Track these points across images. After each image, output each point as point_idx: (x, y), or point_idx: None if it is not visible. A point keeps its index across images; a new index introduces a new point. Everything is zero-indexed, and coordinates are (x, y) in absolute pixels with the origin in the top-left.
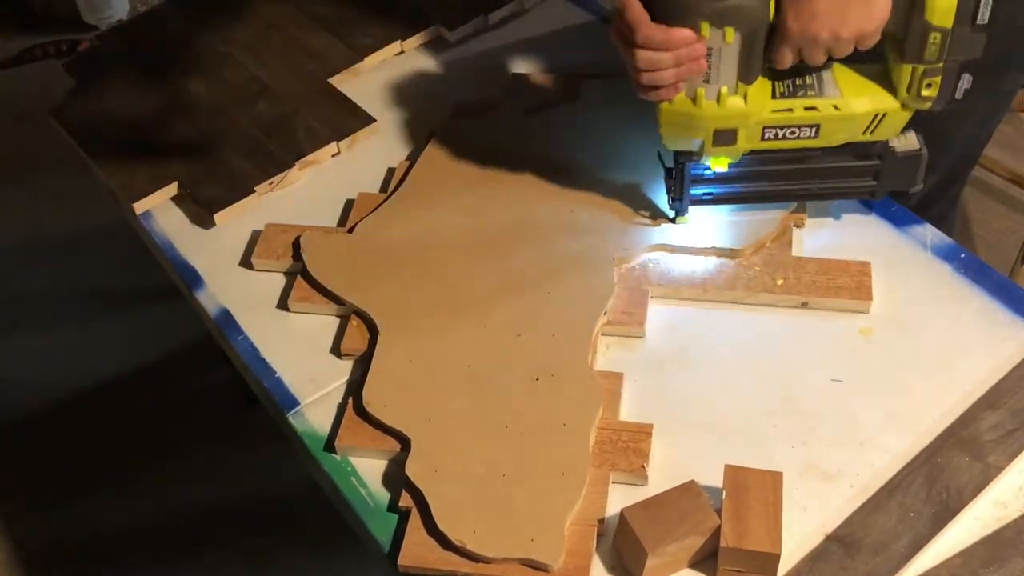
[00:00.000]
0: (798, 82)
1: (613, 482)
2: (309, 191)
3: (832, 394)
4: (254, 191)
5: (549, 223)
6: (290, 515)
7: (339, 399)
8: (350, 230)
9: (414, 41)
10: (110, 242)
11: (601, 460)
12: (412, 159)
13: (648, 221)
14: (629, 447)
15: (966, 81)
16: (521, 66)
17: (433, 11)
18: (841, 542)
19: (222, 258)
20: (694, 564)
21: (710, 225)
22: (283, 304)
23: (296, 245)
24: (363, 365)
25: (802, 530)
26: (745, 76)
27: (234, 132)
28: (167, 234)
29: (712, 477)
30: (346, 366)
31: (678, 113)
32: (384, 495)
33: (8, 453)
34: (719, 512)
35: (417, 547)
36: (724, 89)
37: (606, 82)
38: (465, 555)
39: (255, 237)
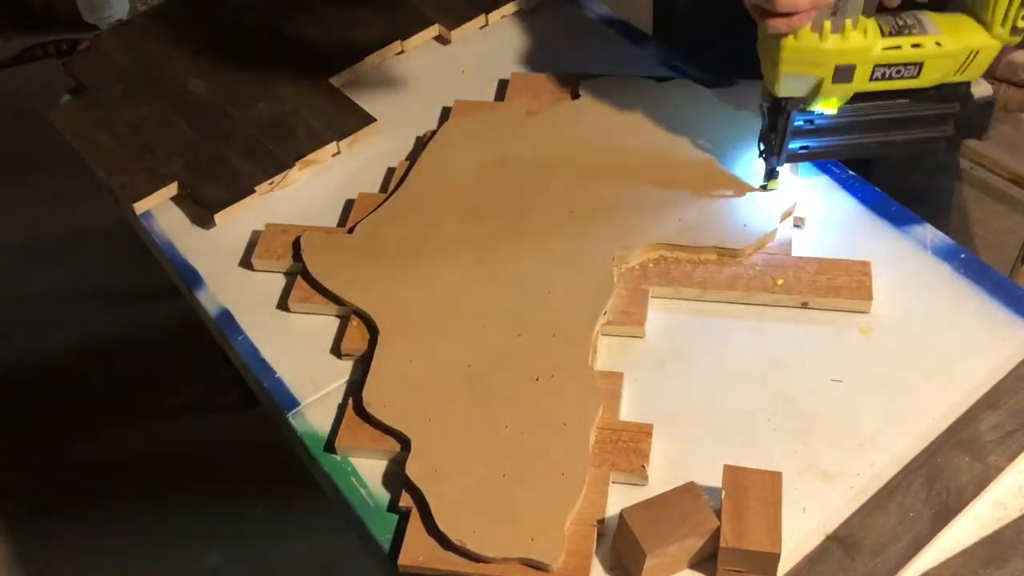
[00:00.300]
0: (899, 22)
1: (613, 482)
2: (309, 191)
3: (832, 394)
4: (254, 191)
5: (549, 223)
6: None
7: (339, 399)
8: (350, 230)
9: (414, 41)
10: (110, 242)
11: (601, 460)
12: (412, 159)
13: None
14: (629, 447)
15: None
16: (521, 66)
17: (433, 11)
18: (841, 542)
19: (222, 258)
20: (694, 565)
21: (710, 223)
22: (283, 304)
23: (296, 245)
24: (363, 365)
25: (802, 530)
26: (867, 9)
27: (234, 132)
28: (167, 234)
29: (712, 477)
30: (346, 366)
31: (803, 49)
32: (384, 495)
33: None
34: (719, 513)
35: (417, 547)
36: (848, 22)
37: (606, 82)
38: (465, 555)
39: (255, 237)
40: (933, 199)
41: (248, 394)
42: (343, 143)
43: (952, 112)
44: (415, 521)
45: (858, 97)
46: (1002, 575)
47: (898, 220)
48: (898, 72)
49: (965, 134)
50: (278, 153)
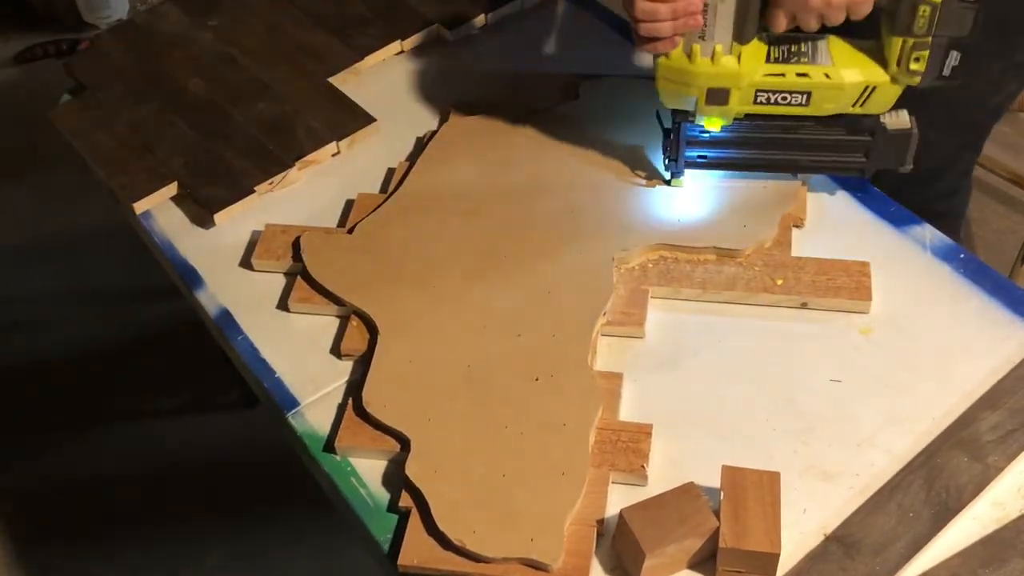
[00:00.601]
0: (792, 49)
1: (613, 482)
2: (309, 191)
3: (831, 394)
4: (254, 191)
5: (549, 223)
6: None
7: (339, 399)
8: (350, 230)
9: (414, 41)
10: (110, 242)
11: (601, 460)
12: (412, 159)
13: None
14: (629, 447)
15: (954, 58)
16: (521, 66)
17: (433, 11)
18: (840, 542)
19: (222, 258)
20: (693, 565)
21: (710, 224)
22: (283, 304)
23: (296, 246)
24: (363, 365)
25: (801, 530)
26: (740, 36)
27: (234, 132)
28: (167, 234)
29: (712, 477)
30: (346, 366)
31: (673, 69)
32: (384, 495)
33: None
34: (718, 513)
35: (417, 547)
36: (719, 47)
37: (606, 82)
38: (465, 555)
39: (255, 237)
40: (947, 222)
41: (248, 394)
42: (343, 143)
43: (863, 141)
44: (415, 521)
45: (756, 116)
46: (1001, 575)
47: (898, 220)
48: (784, 99)
49: (881, 164)
50: (278, 153)
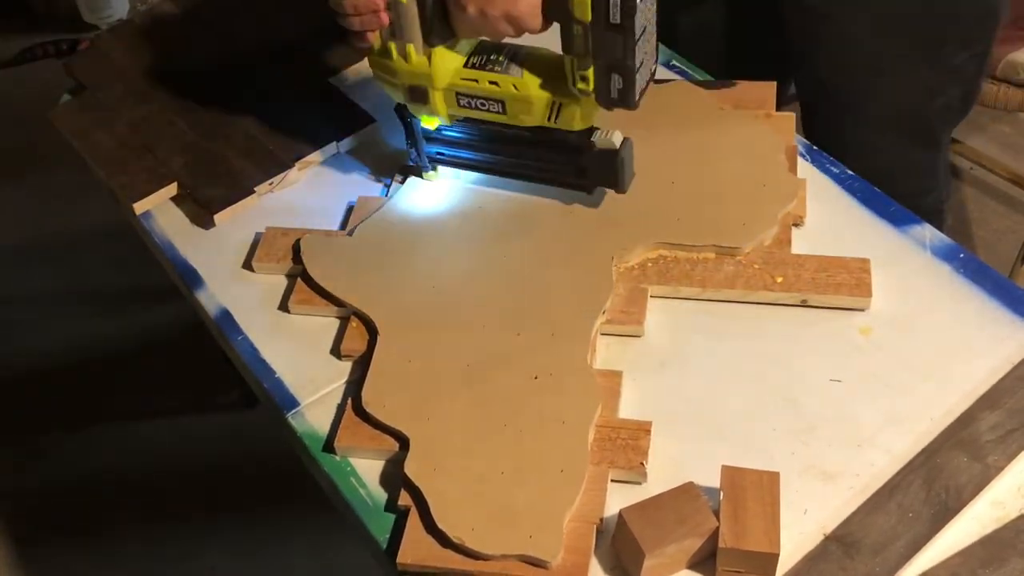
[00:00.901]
0: (492, 57)
1: (612, 480)
2: (309, 191)
3: (831, 394)
4: (254, 191)
5: (548, 223)
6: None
7: (339, 399)
8: (350, 233)
9: None
10: (110, 242)
11: (600, 458)
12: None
13: (399, 178)
14: (628, 444)
15: (618, 81)
16: None
17: None
18: (840, 542)
19: (222, 258)
20: (692, 565)
21: (709, 222)
22: (283, 305)
23: (296, 248)
24: (362, 366)
25: (801, 530)
26: (428, 38)
27: (234, 132)
28: (167, 234)
29: (711, 477)
30: (345, 367)
31: (377, 63)
32: (383, 495)
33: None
34: (717, 513)
35: (416, 545)
36: (410, 46)
37: None
38: (464, 552)
39: (255, 237)
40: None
41: (248, 394)
42: (343, 143)
43: (571, 157)
44: (414, 519)
45: (478, 121)
46: (1001, 575)
47: (898, 220)
48: (483, 104)
49: (598, 181)
50: (278, 153)
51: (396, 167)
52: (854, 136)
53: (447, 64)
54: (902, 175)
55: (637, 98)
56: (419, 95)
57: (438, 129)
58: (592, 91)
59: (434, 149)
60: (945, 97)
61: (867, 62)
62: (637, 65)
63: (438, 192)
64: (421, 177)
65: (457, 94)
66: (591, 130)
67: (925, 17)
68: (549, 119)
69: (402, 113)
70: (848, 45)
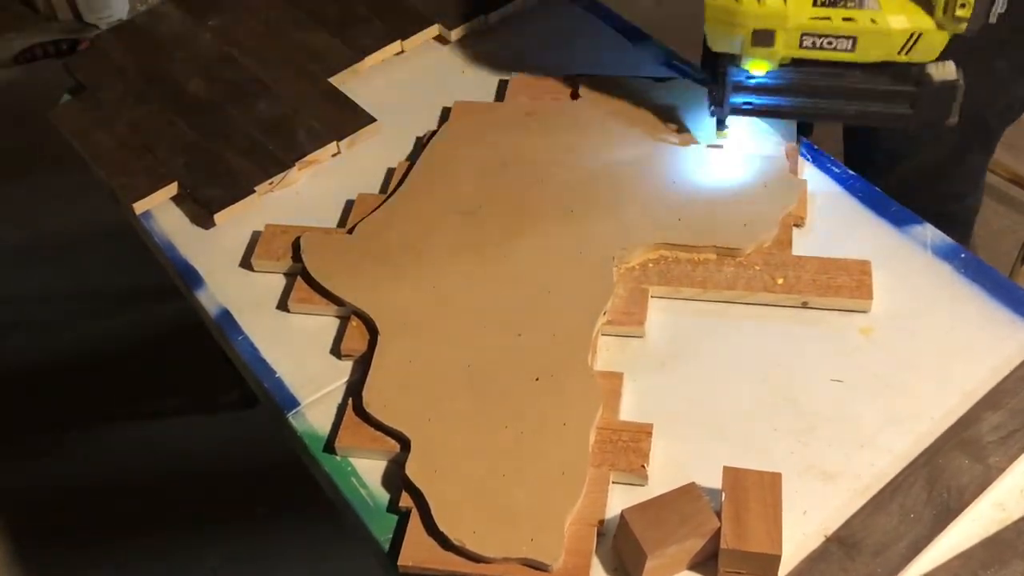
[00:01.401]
0: None
1: (613, 482)
2: (309, 191)
3: (832, 394)
4: (254, 191)
5: (549, 223)
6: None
7: (339, 399)
8: (350, 231)
9: (414, 41)
10: (110, 242)
11: (601, 460)
12: (412, 159)
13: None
14: (629, 447)
15: (1000, 4)
16: (521, 66)
17: (433, 11)
18: (841, 543)
19: (222, 258)
20: (694, 566)
21: (710, 223)
22: (283, 305)
23: (296, 246)
24: (363, 366)
25: (802, 531)
26: None
27: (234, 132)
28: (167, 234)
29: (712, 477)
30: (346, 366)
31: (720, 8)
32: (384, 495)
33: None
34: (719, 514)
35: (417, 547)
36: None
37: (606, 82)
38: (465, 555)
39: (255, 237)
40: (957, 227)
41: (248, 394)
42: (343, 143)
43: (907, 92)
44: (415, 521)
45: (802, 62)
46: None
47: (898, 220)
48: (830, 43)
49: (925, 117)
50: (278, 153)
51: (395, 167)
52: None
53: (799, 3)
54: (951, 175)
55: (999, 14)
56: (764, 38)
57: (750, 78)
58: (968, 17)
59: (740, 99)
60: (1009, 97)
61: (948, 48)
62: None
63: (438, 192)
64: (717, 131)
65: (803, 35)
66: (923, 64)
67: (1009, 9)
68: (902, 51)
69: (714, 64)
70: None
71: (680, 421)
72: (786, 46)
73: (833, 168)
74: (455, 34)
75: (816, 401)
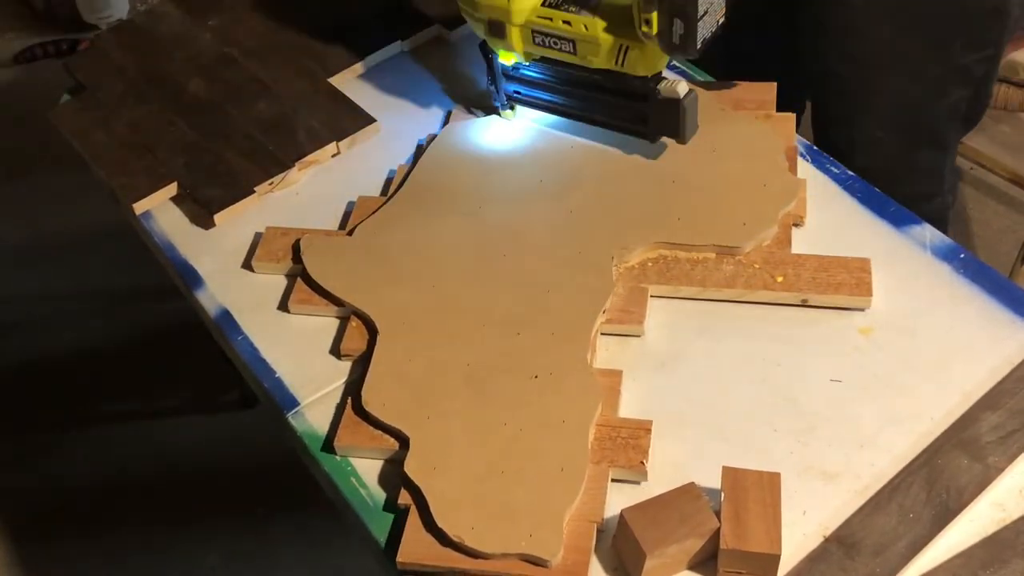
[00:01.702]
0: None
1: (613, 479)
2: (309, 191)
3: (831, 394)
4: (254, 191)
5: (548, 223)
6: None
7: (338, 399)
8: (350, 232)
9: (414, 41)
10: (110, 242)
11: (600, 457)
12: (412, 160)
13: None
14: (628, 443)
15: (679, 27)
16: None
17: (433, 11)
18: (841, 543)
19: (222, 258)
20: (693, 566)
21: (709, 222)
22: (283, 305)
23: (296, 248)
24: (362, 366)
25: (801, 531)
26: None
27: (234, 132)
28: (167, 234)
29: (711, 477)
30: (345, 367)
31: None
32: (383, 495)
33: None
34: (718, 514)
35: (415, 544)
36: None
37: None
38: (463, 551)
39: (255, 237)
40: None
41: (248, 394)
42: (343, 143)
43: (636, 104)
44: (413, 518)
45: (554, 61)
46: None
47: (898, 220)
48: (555, 44)
49: (661, 130)
50: (278, 153)
51: (395, 167)
52: (860, 132)
53: (526, 1)
54: (904, 175)
55: (698, 46)
56: (498, 29)
57: (516, 68)
58: (655, 35)
59: (512, 88)
60: (951, 98)
61: (876, 53)
62: (700, 13)
63: (438, 193)
64: (499, 115)
65: (533, 31)
66: (657, 78)
67: (935, 13)
68: (616, 63)
69: (485, 50)
70: (858, 34)
71: (679, 420)
72: (523, 40)
73: (832, 168)
74: (455, 34)
75: (816, 401)
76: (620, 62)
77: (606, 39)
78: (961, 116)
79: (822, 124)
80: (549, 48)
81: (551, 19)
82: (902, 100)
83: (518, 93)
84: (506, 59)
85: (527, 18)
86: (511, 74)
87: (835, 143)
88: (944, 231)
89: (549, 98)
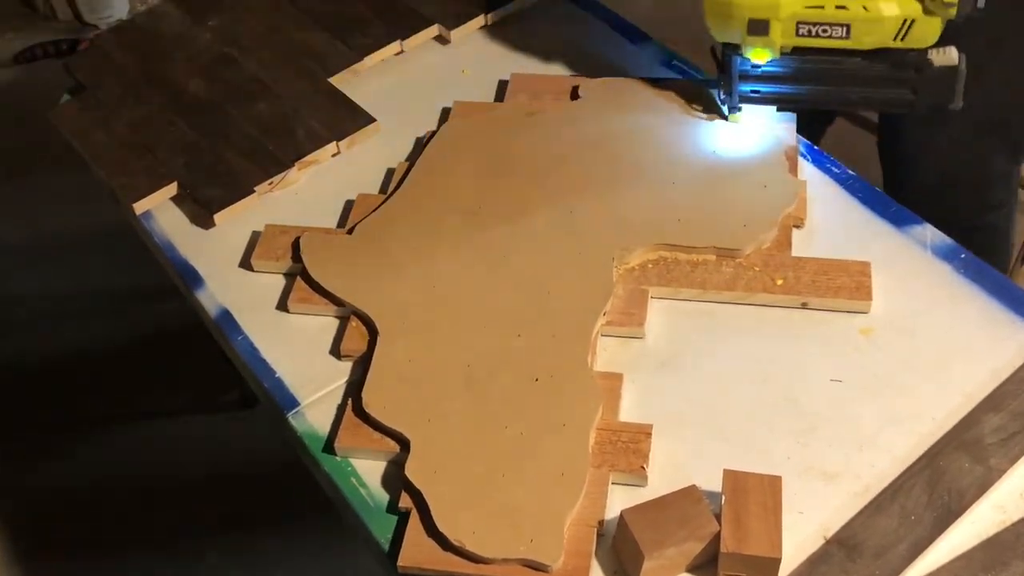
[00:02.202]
0: None
1: (613, 483)
2: (309, 191)
3: (832, 395)
4: (254, 191)
5: (548, 223)
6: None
7: (339, 400)
8: (349, 231)
9: (414, 41)
10: (110, 242)
11: (601, 460)
12: (411, 160)
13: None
14: (629, 447)
15: None
16: (521, 66)
17: (433, 11)
18: (842, 545)
19: (222, 258)
20: (693, 569)
21: (710, 223)
22: (283, 305)
23: (296, 246)
24: (363, 366)
25: (802, 532)
26: None
27: (234, 132)
28: (167, 234)
29: (712, 478)
30: (345, 367)
31: (717, 0)
32: (384, 496)
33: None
34: (719, 517)
35: (417, 548)
36: None
37: (606, 82)
38: (464, 555)
39: (255, 237)
40: (989, 237)
41: (248, 394)
42: (343, 143)
43: (908, 77)
44: (415, 522)
45: (804, 50)
46: None
47: (898, 220)
48: (825, 31)
49: (929, 100)
50: (278, 153)
51: (395, 166)
52: (942, 135)
53: None
54: (981, 183)
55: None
56: (760, 27)
57: (755, 66)
58: (957, 2)
59: (748, 88)
60: None
61: (969, 48)
62: None
63: (438, 192)
64: (726, 118)
65: (798, 23)
66: (924, 50)
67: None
68: (896, 38)
69: (721, 53)
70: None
71: (680, 422)
72: (783, 35)
73: (833, 168)
74: (455, 34)
75: (816, 402)
76: (903, 36)
77: (891, 16)
78: None
79: (898, 123)
80: (816, 37)
81: (822, 7)
82: (992, 100)
83: (756, 92)
84: (759, 57)
85: (794, 10)
86: (750, 74)
87: (907, 149)
88: (1008, 241)
89: (793, 90)
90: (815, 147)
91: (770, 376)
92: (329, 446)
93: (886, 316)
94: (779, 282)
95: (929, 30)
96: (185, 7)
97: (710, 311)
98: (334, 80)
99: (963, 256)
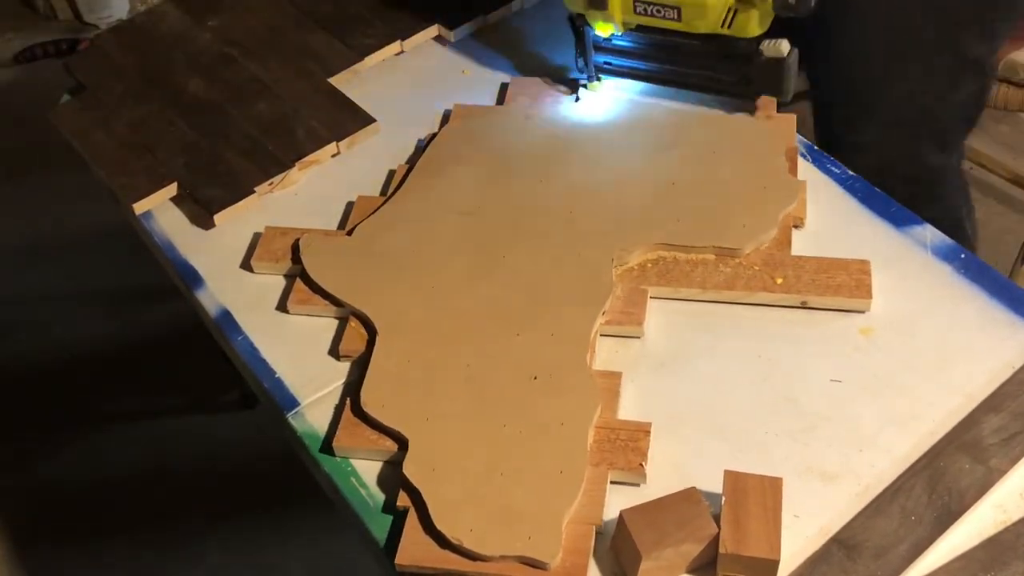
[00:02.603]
0: None
1: (612, 481)
2: (309, 192)
3: (832, 395)
4: (254, 191)
5: (548, 223)
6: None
7: (338, 400)
8: (349, 232)
9: (414, 41)
10: (110, 242)
11: (599, 459)
12: (412, 160)
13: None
14: (628, 446)
15: None
16: (521, 66)
17: (433, 11)
18: (842, 545)
19: (222, 258)
20: (692, 570)
21: (709, 223)
22: (282, 305)
23: (295, 247)
24: (361, 366)
25: (802, 533)
26: None
27: (234, 132)
28: (167, 234)
29: (711, 478)
30: (345, 367)
31: None
32: (383, 495)
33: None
34: (718, 518)
35: (414, 546)
36: None
37: (605, 82)
38: (462, 553)
39: (255, 237)
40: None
41: (248, 394)
42: (343, 143)
43: (738, 65)
44: (412, 520)
45: (650, 29)
46: None
47: (898, 220)
48: (659, 11)
49: (761, 90)
50: (278, 153)
51: (395, 167)
52: (867, 133)
53: None
54: (906, 169)
55: (812, 4)
56: (598, 1)
57: (608, 38)
58: None
59: (602, 59)
60: (961, 93)
61: (891, 41)
62: None
63: (438, 193)
64: (585, 87)
65: (635, 1)
66: (759, 39)
67: (948, 4)
68: (722, 26)
69: (575, 23)
70: (869, 29)
71: (678, 421)
72: (622, 10)
73: (833, 168)
74: (455, 34)
75: (816, 402)
76: (728, 25)
77: (714, 4)
78: (967, 114)
79: (827, 123)
80: (651, 16)
81: None
82: (913, 98)
83: (608, 64)
84: (603, 30)
85: None
86: (602, 45)
87: (840, 142)
88: (959, 238)
89: (642, 66)
90: (815, 147)
91: (770, 376)
92: (328, 446)
93: (886, 316)
94: (779, 281)
95: (753, 19)
96: (185, 7)
97: (709, 310)
98: (334, 80)
99: (963, 256)
